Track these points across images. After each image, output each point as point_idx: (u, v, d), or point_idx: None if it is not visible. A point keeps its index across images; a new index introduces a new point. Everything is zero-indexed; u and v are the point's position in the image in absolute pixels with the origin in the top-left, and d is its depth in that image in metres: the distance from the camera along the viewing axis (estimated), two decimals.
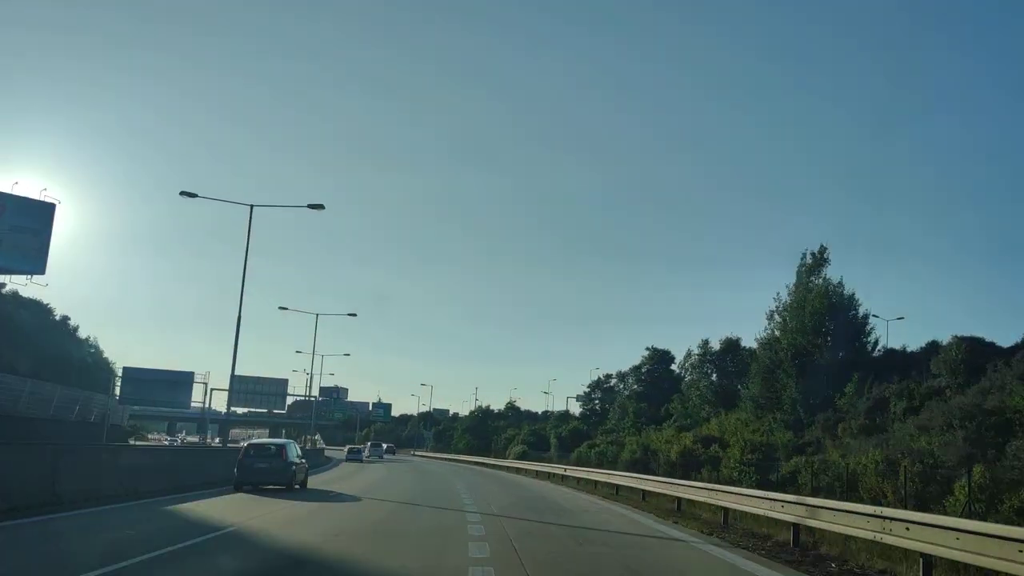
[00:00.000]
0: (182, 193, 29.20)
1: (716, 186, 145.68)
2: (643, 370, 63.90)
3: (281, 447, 22.86)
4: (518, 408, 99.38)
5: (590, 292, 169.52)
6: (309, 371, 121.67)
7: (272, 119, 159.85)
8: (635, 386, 65.63)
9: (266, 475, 21.47)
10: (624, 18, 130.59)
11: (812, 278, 37.92)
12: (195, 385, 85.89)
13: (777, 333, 39.63)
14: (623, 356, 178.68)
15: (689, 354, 65.15)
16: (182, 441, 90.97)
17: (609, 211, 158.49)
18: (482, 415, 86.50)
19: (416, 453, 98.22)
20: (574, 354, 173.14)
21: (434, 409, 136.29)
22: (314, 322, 57.66)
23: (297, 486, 22.68)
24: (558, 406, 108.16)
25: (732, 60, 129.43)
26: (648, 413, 57.85)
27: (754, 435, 31.20)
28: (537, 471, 41.98)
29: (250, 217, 29.70)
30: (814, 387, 34.58)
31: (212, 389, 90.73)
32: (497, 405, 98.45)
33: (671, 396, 58.72)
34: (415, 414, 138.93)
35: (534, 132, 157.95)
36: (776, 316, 40.01)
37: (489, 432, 78.86)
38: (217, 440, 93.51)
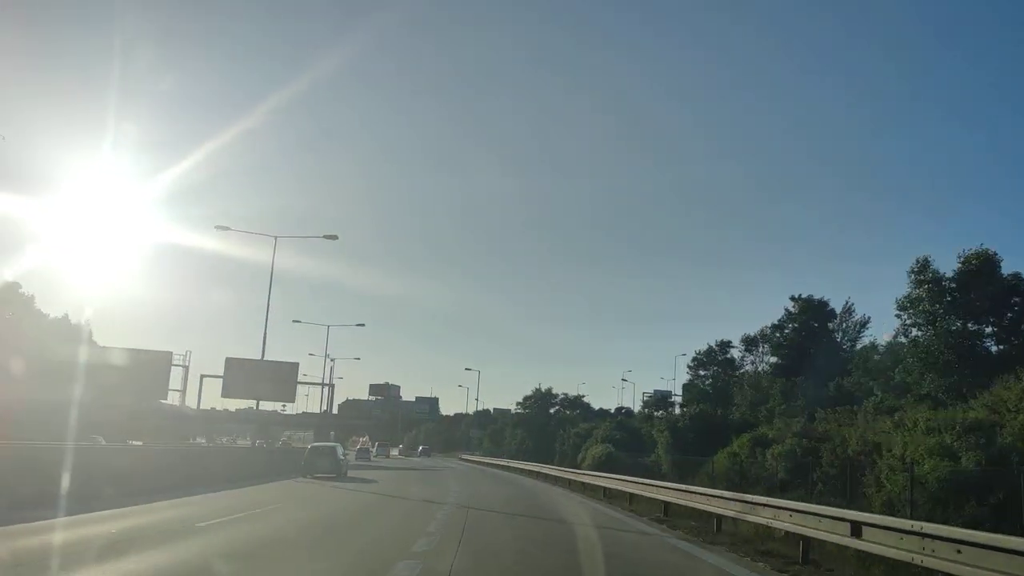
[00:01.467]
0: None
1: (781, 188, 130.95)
2: (785, 331, 42.09)
3: (333, 448, 34.75)
4: (588, 405, 76.27)
5: (657, 291, 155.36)
6: (327, 377, 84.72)
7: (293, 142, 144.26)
8: (772, 356, 43.95)
9: (322, 468, 31.70)
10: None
11: None
12: (173, 368, 68.39)
13: None
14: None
15: (849, 306, 43.39)
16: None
17: (675, 210, 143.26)
18: (540, 400, 62.48)
19: (463, 457, 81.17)
20: (641, 355, 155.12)
21: (494, 409, 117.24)
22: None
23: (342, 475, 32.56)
24: (631, 402, 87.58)
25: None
26: (803, 393, 36.57)
27: None
28: (716, 515, 14.86)
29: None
30: None
31: (203, 376, 73.70)
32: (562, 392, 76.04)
33: (841, 365, 37.57)
34: (470, 413, 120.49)
35: (604, 132, 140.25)
36: None
37: (551, 426, 56.25)
38: (260, 441, 76.71)
